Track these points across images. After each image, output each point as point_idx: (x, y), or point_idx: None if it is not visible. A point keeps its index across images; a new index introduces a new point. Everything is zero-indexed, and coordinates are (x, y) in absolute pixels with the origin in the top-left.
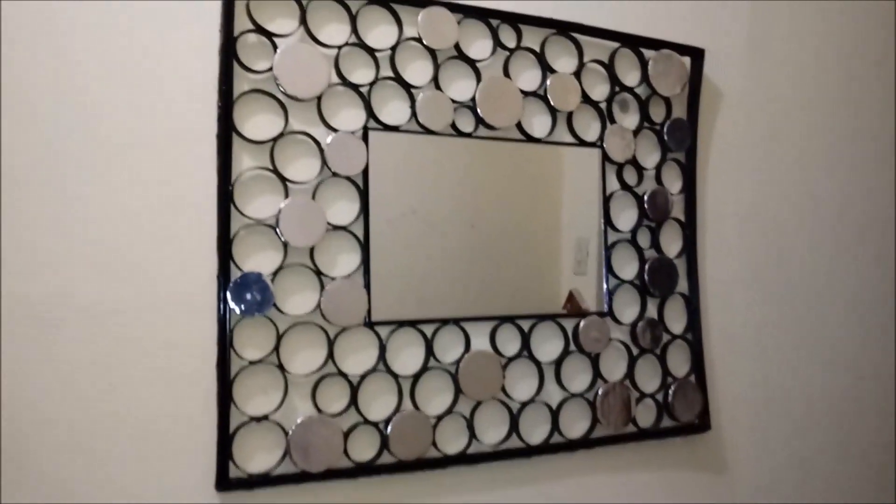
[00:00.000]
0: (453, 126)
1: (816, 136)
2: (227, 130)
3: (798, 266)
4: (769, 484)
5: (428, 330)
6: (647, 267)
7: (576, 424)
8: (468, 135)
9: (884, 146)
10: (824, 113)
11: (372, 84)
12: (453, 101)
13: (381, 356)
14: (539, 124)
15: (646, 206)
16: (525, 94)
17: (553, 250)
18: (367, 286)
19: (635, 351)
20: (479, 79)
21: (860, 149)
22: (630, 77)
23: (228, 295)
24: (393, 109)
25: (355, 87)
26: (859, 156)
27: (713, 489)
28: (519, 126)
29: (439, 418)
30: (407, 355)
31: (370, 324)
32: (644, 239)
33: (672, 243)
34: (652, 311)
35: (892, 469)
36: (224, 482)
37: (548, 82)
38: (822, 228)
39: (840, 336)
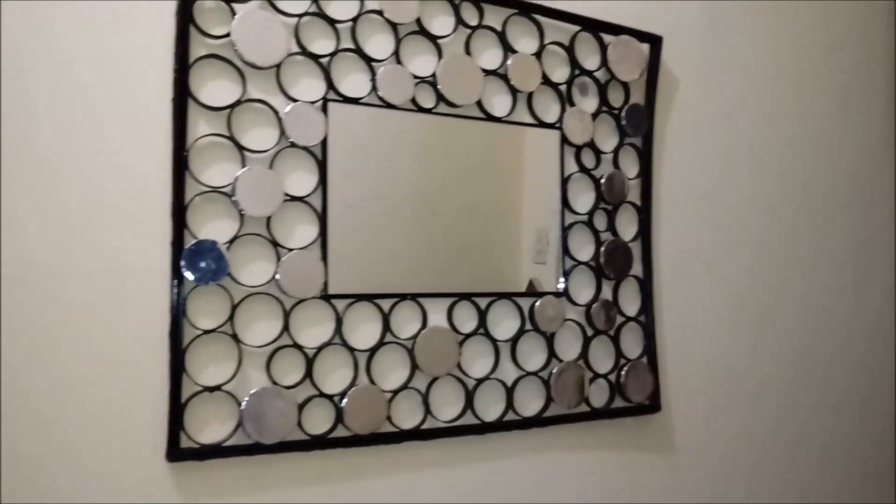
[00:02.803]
0: (413, 101)
1: (771, 123)
2: (182, 95)
3: (751, 250)
4: (717, 465)
5: (385, 304)
6: (602, 249)
7: (530, 403)
8: (428, 110)
9: (839, 130)
10: (779, 100)
11: (332, 55)
12: (414, 77)
13: (338, 329)
14: (499, 103)
15: (603, 189)
16: (486, 72)
17: (514, 238)
18: (325, 259)
19: (590, 332)
20: (440, 55)
21: (815, 134)
22: (590, 61)
23: (182, 262)
24: (353, 82)
25: (315, 58)
26: (814, 141)
27: (663, 469)
28: (479, 104)
29: (395, 393)
30: (363, 329)
31: (327, 296)
32: (601, 222)
33: (628, 227)
34: (607, 293)
35: (842, 449)
36: (175, 452)
37: (508, 62)
38: (774, 214)
39: (791, 320)
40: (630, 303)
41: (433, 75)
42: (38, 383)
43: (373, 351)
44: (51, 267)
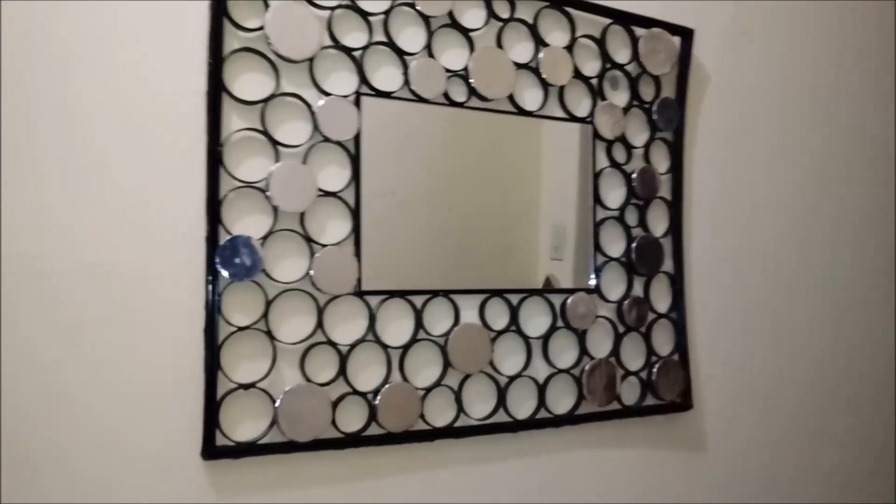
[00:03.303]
0: (446, 95)
1: (801, 119)
2: (216, 89)
3: (781, 247)
4: (749, 463)
5: (418, 301)
6: (634, 245)
7: (561, 400)
8: (461, 104)
9: (869, 129)
10: (809, 96)
11: (365, 48)
12: (446, 70)
13: (371, 326)
14: (530, 97)
15: (634, 184)
16: (517, 66)
17: (532, 233)
18: (358, 255)
19: (621, 328)
20: (472, 49)
21: (845, 132)
22: (621, 54)
23: (217, 259)
24: (385, 75)
25: (348, 51)
26: (844, 138)
27: (693, 467)
28: (511, 98)
29: (428, 390)
30: (396, 326)
31: (360, 293)
32: (632, 217)
33: (659, 222)
34: (638, 290)
35: (870, 450)
36: (210, 450)
37: (540, 55)
38: (805, 211)
39: (821, 318)
40: (661, 299)
41: (465, 69)
42: (73, 382)
43: (406, 348)
44: (86, 265)
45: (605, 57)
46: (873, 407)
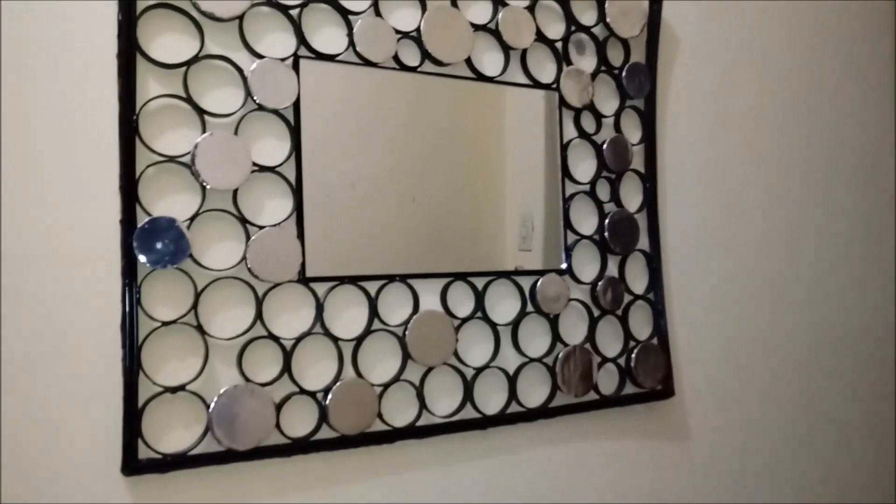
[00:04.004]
0: (396, 59)
1: (774, 84)
2: (129, 49)
3: (765, 222)
4: (735, 453)
5: (371, 288)
6: (606, 222)
7: (534, 392)
8: (413, 69)
9: (844, 93)
10: (783, 60)
11: (303, 6)
12: (396, 31)
13: (318, 317)
14: (490, 62)
15: (605, 156)
16: (475, 27)
17: (498, 223)
18: (301, 237)
19: (596, 312)
20: (423, 8)
21: (820, 97)
22: (586, 16)
23: (135, 243)
24: (328, 36)
25: (283, 9)
26: (829, 101)
27: (676, 458)
28: (469, 62)
29: (385, 387)
30: (348, 316)
31: (305, 280)
32: (603, 192)
33: (632, 197)
34: (612, 270)
35: (860, 433)
36: (132, 464)
37: (499, 16)
38: (790, 182)
39: (810, 297)
40: (637, 280)
41: (417, 30)
42: None
43: (359, 340)
44: None
45: (570, 19)
46: (866, 388)
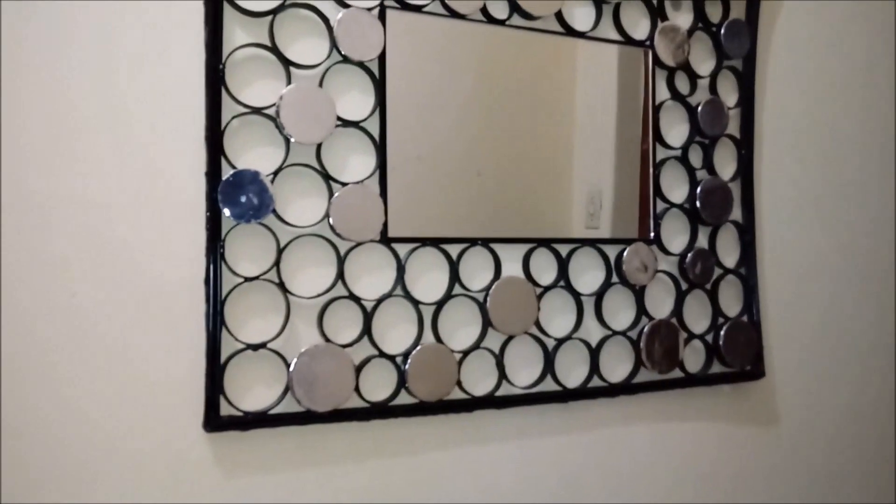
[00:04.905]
0: (484, 11)
1: (887, 45)
2: None
3: (868, 192)
4: (826, 438)
5: (453, 251)
6: (698, 190)
7: (617, 366)
8: (501, 22)
9: None
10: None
11: None
12: None
13: (400, 279)
14: (581, 16)
15: (699, 119)
16: None
17: (565, 196)
18: (384, 195)
19: (684, 285)
20: None
21: None
22: None
23: (219, 196)
24: None
25: None
26: None
27: (766, 443)
28: (559, 16)
29: (465, 354)
30: (429, 279)
31: (387, 240)
32: (696, 158)
33: (726, 164)
34: (703, 242)
35: None
36: (214, 421)
37: None
38: (892, 153)
39: None
40: (729, 252)
41: None
42: (52, 335)
43: (439, 305)
44: (88, 198)
45: None
46: None
